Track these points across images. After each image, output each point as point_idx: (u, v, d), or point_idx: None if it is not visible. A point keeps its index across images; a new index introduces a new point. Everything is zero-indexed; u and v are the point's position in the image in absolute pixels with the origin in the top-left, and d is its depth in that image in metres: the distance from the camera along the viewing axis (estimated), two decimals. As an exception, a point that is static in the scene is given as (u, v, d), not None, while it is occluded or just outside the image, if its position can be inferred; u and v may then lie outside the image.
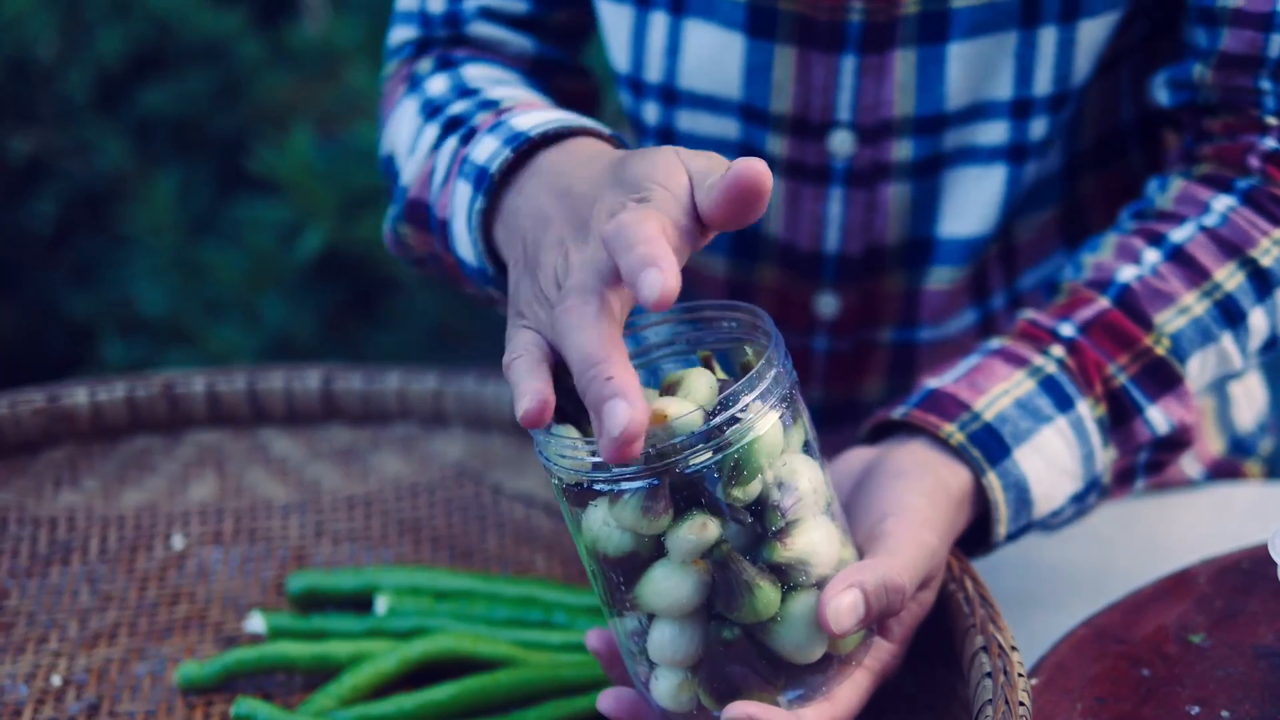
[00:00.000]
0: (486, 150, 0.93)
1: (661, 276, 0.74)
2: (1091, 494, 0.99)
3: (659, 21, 1.12)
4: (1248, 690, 0.92)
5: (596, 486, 0.79)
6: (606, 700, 0.87)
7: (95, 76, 2.54)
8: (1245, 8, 1.00)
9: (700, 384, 0.82)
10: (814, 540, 0.81)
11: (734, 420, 0.78)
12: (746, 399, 0.79)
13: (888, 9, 1.05)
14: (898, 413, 0.96)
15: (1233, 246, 1.00)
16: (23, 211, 2.54)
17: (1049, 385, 0.97)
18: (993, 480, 0.94)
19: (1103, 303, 1.00)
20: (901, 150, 1.11)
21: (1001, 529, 0.95)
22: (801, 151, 1.12)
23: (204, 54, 2.62)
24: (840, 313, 1.18)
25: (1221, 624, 0.97)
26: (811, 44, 1.07)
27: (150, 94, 2.57)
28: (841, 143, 1.10)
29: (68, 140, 2.55)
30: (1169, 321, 0.99)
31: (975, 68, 1.07)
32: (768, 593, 0.80)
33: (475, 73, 1.11)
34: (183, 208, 2.46)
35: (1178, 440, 1.00)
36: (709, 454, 0.78)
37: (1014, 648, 0.87)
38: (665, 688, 0.83)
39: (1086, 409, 0.97)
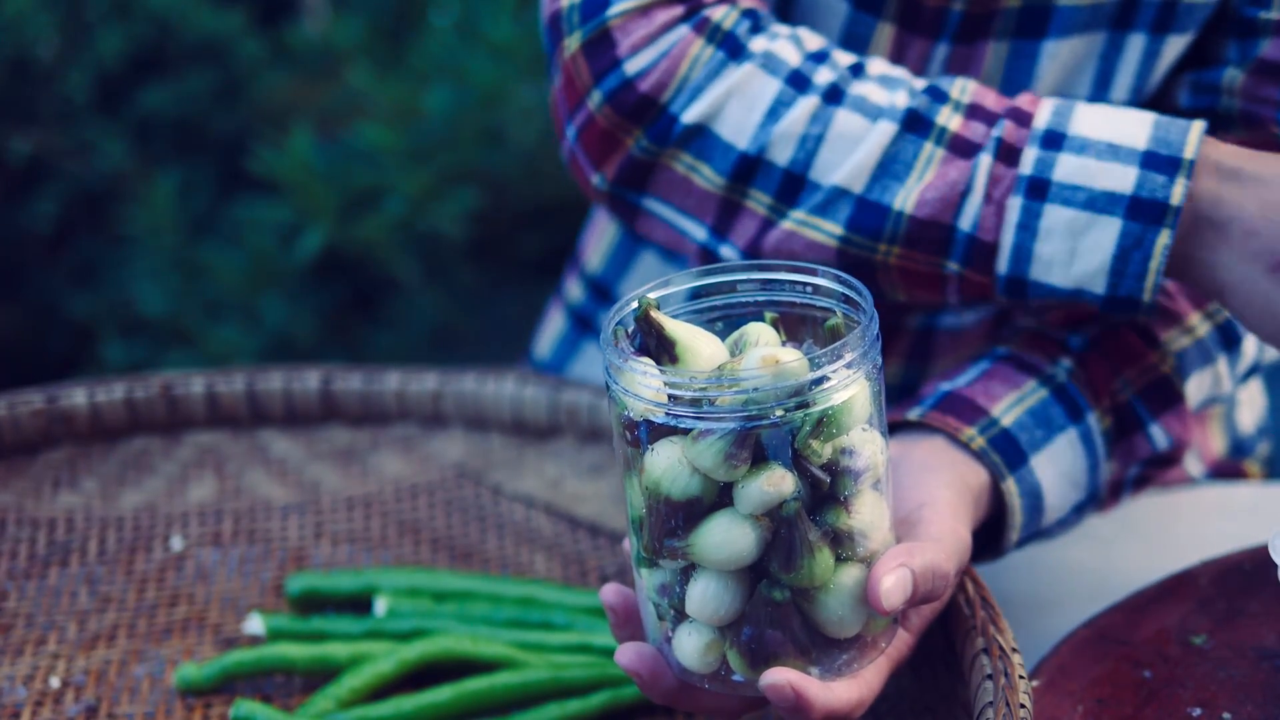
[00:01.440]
0: (1110, 178, 0.92)
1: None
2: (1089, 505, 1.00)
3: None
4: (1249, 692, 0.92)
5: (681, 424, 0.79)
6: (627, 654, 0.85)
7: (95, 77, 2.55)
8: None
9: (769, 341, 0.82)
10: (874, 514, 0.81)
11: (827, 379, 0.78)
12: (847, 358, 0.79)
13: (990, 1, 1.04)
14: (914, 413, 0.96)
15: None
16: (23, 212, 2.54)
17: (1061, 395, 0.98)
18: (1011, 487, 0.94)
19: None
20: None
21: (1014, 535, 0.96)
22: None
23: (204, 54, 2.62)
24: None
25: (1223, 625, 0.97)
26: (912, 27, 1.06)
27: (150, 94, 2.58)
28: None
29: (68, 141, 2.55)
30: (1175, 340, 1.01)
31: (1065, 66, 1.06)
32: (826, 557, 0.80)
33: (800, 33, 1.03)
34: (183, 208, 2.46)
35: (1170, 457, 1.01)
36: (805, 408, 0.78)
37: (1015, 649, 0.86)
38: (692, 646, 0.82)
39: (1095, 420, 0.98)
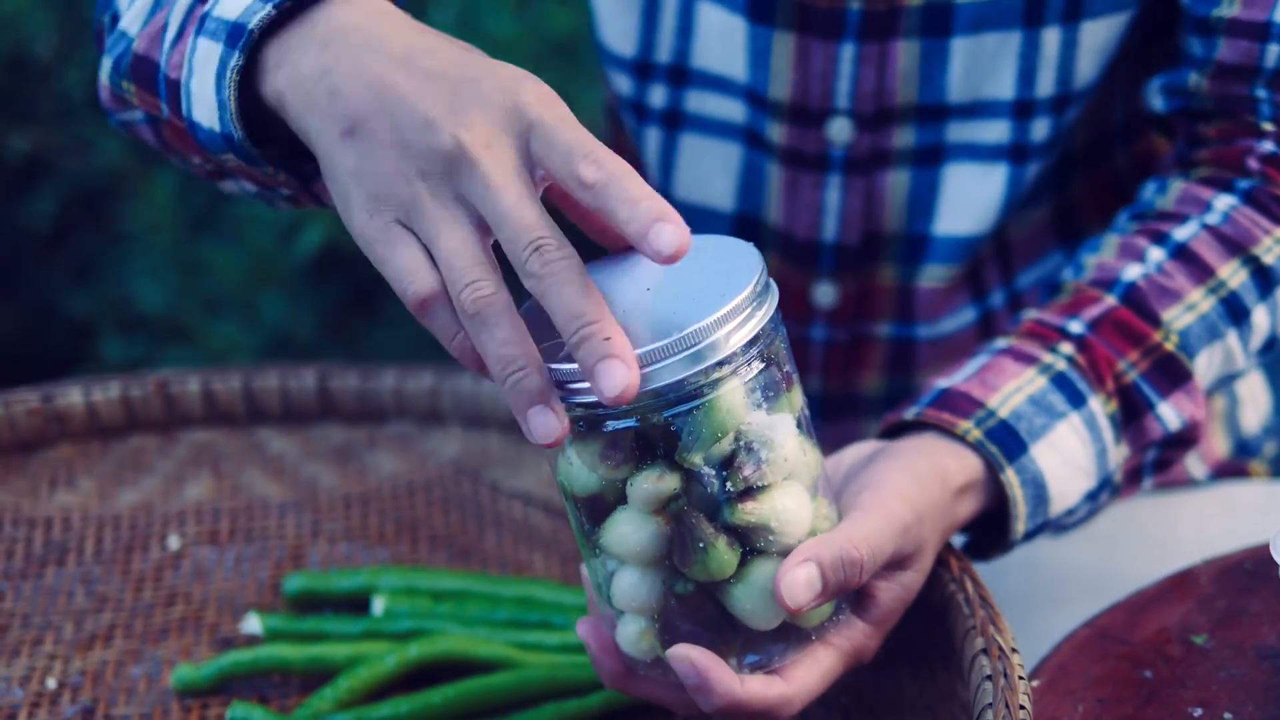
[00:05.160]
0: (238, 5, 0.85)
1: (676, 231, 0.73)
2: (1104, 492, 0.99)
3: (671, 1, 1.12)
4: (1250, 692, 0.92)
5: (577, 423, 0.79)
6: (584, 626, 0.86)
7: (94, 74, 2.54)
8: (1241, 18, 1.00)
9: None
10: (781, 507, 0.80)
11: (690, 381, 0.76)
12: (712, 358, 0.77)
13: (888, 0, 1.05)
14: (910, 413, 0.96)
15: (1236, 244, 1.00)
16: (21, 210, 2.54)
17: (1061, 382, 0.97)
18: (1011, 477, 0.93)
19: (1110, 300, 0.99)
20: (902, 138, 1.11)
21: (1020, 526, 0.94)
22: (800, 139, 1.12)
23: (203, 51, 2.61)
24: (838, 303, 1.18)
25: (1224, 625, 0.97)
26: (810, 31, 1.07)
27: (149, 91, 2.57)
28: (840, 130, 1.11)
29: (66, 138, 2.55)
30: (1177, 318, 0.99)
31: (977, 64, 1.07)
32: (722, 553, 0.79)
33: None
34: (181, 205, 2.46)
35: (1187, 437, 1.00)
36: (664, 410, 0.77)
37: (1014, 649, 0.86)
38: (627, 634, 0.83)
39: (1099, 405, 0.97)
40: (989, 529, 0.97)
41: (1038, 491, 0.94)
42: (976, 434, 0.93)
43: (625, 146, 1.25)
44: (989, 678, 0.85)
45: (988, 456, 0.93)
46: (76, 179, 2.55)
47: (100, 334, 2.46)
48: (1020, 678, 0.84)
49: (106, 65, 0.98)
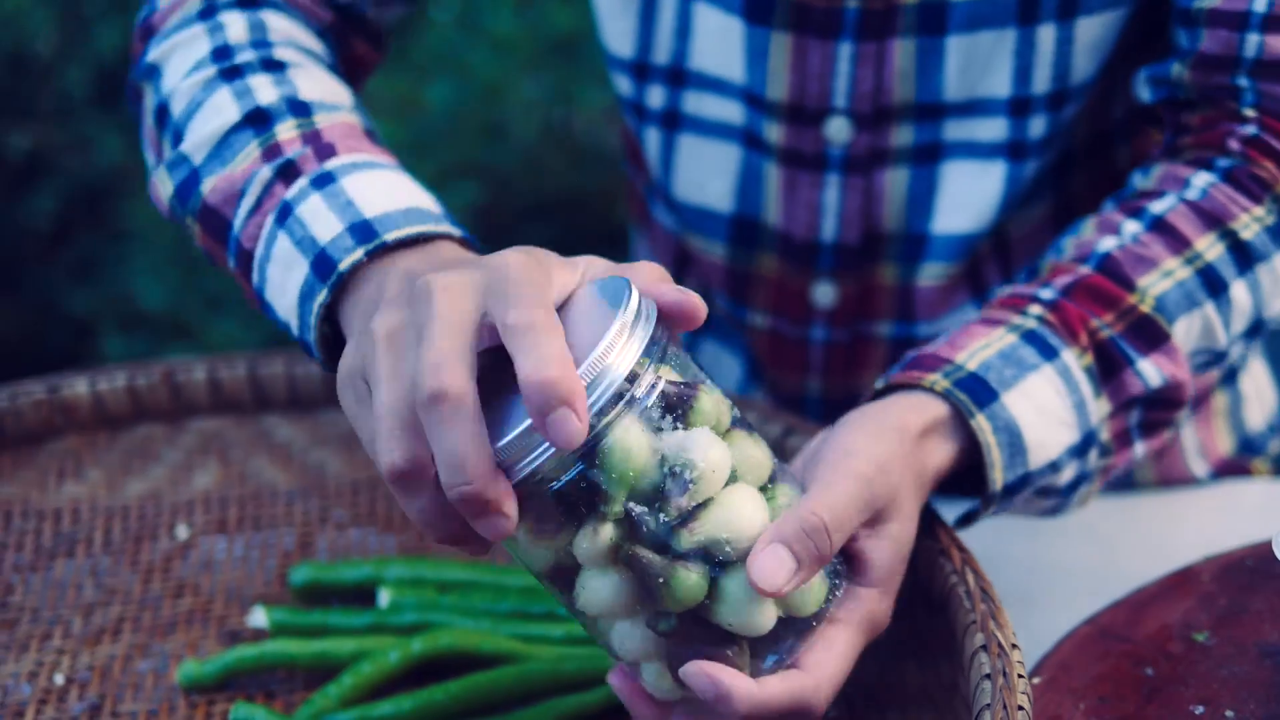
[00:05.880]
0: (327, 228, 0.90)
1: (577, 426, 0.74)
2: (1091, 449, 0.96)
3: (669, 2, 1.13)
4: (1252, 689, 0.92)
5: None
6: (614, 678, 0.85)
7: (94, 72, 2.54)
8: (1221, 8, 1.00)
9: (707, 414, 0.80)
10: (728, 517, 0.79)
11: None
12: (603, 385, 0.75)
13: None
14: (879, 382, 0.94)
15: (1212, 218, 1.00)
16: (22, 208, 2.54)
17: (1031, 337, 0.95)
18: (982, 423, 0.91)
19: (1084, 270, 0.98)
20: (900, 136, 1.11)
21: (997, 474, 0.92)
22: (798, 138, 1.12)
23: (204, 49, 2.61)
24: (838, 303, 1.18)
25: (1226, 622, 0.97)
26: (807, 31, 1.08)
27: (150, 89, 2.57)
28: (838, 130, 1.11)
29: (67, 136, 2.55)
30: (1153, 285, 0.98)
31: (973, 62, 1.08)
32: (684, 580, 0.78)
33: (278, 24, 1.06)
34: (183, 203, 2.45)
35: (1171, 398, 0.98)
36: (567, 472, 0.77)
37: (1015, 645, 0.86)
38: (649, 679, 0.82)
39: (1073, 358, 0.95)
40: (967, 481, 0.95)
41: (1012, 439, 0.92)
42: (944, 384, 0.91)
43: (634, 145, 1.26)
44: (988, 676, 0.84)
45: (956, 404, 0.91)
46: (77, 177, 2.55)
47: (101, 332, 2.46)
48: (1020, 676, 0.84)
49: (166, 183, 1.01)
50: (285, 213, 0.93)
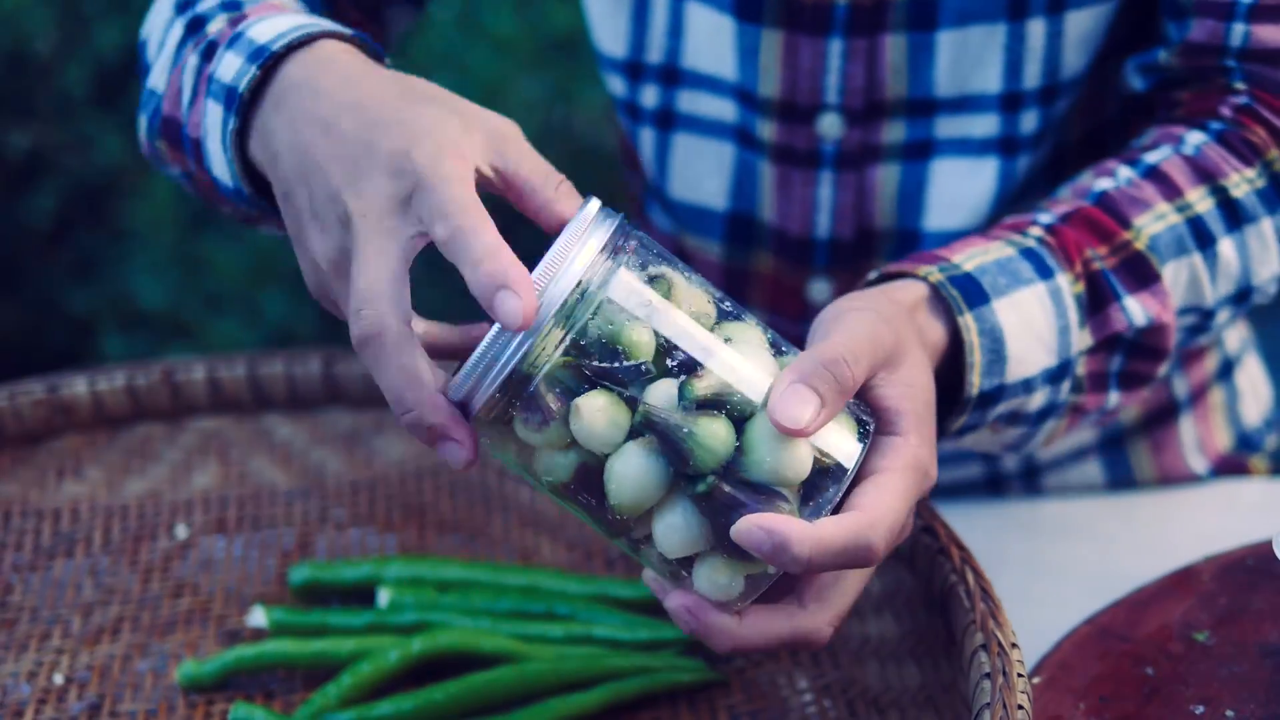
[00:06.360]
0: (232, 68, 0.91)
1: (515, 302, 0.75)
2: (1065, 379, 0.95)
3: (660, 1, 1.13)
4: (1253, 689, 0.92)
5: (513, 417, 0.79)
6: (684, 614, 0.82)
7: (94, 71, 2.54)
8: None
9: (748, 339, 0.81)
10: (729, 361, 0.78)
11: (565, 295, 0.77)
12: (565, 271, 0.77)
13: None
14: (874, 273, 0.94)
15: (1205, 172, 1.00)
16: (22, 207, 2.54)
17: (1029, 254, 0.95)
18: (969, 322, 0.90)
19: (1081, 203, 0.99)
20: (893, 133, 1.11)
21: (975, 378, 0.91)
22: (791, 135, 1.12)
23: (204, 49, 2.61)
24: (834, 299, 1.18)
25: (1226, 622, 0.97)
26: (798, 28, 1.08)
27: (150, 88, 2.57)
28: (830, 126, 1.11)
29: (67, 135, 2.55)
30: (1147, 225, 0.98)
31: (964, 57, 1.08)
32: (708, 427, 0.77)
33: None
34: (182, 202, 2.46)
35: (1153, 344, 0.98)
36: (558, 345, 0.77)
37: (1014, 645, 0.86)
38: (706, 580, 0.80)
39: (1066, 282, 0.95)
40: (946, 387, 0.93)
41: (995, 345, 0.91)
42: (938, 276, 0.91)
43: (628, 146, 1.26)
44: (987, 675, 0.85)
45: (947, 299, 0.90)
46: (77, 176, 2.55)
47: (101, 331, 2.46)
48: (1020, 675, 0.84)
49: (142, 123, 1.04)
50: (210, 82, 0.93)
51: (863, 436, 0.81)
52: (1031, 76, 1.09)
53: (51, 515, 1.12)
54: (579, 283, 0.77)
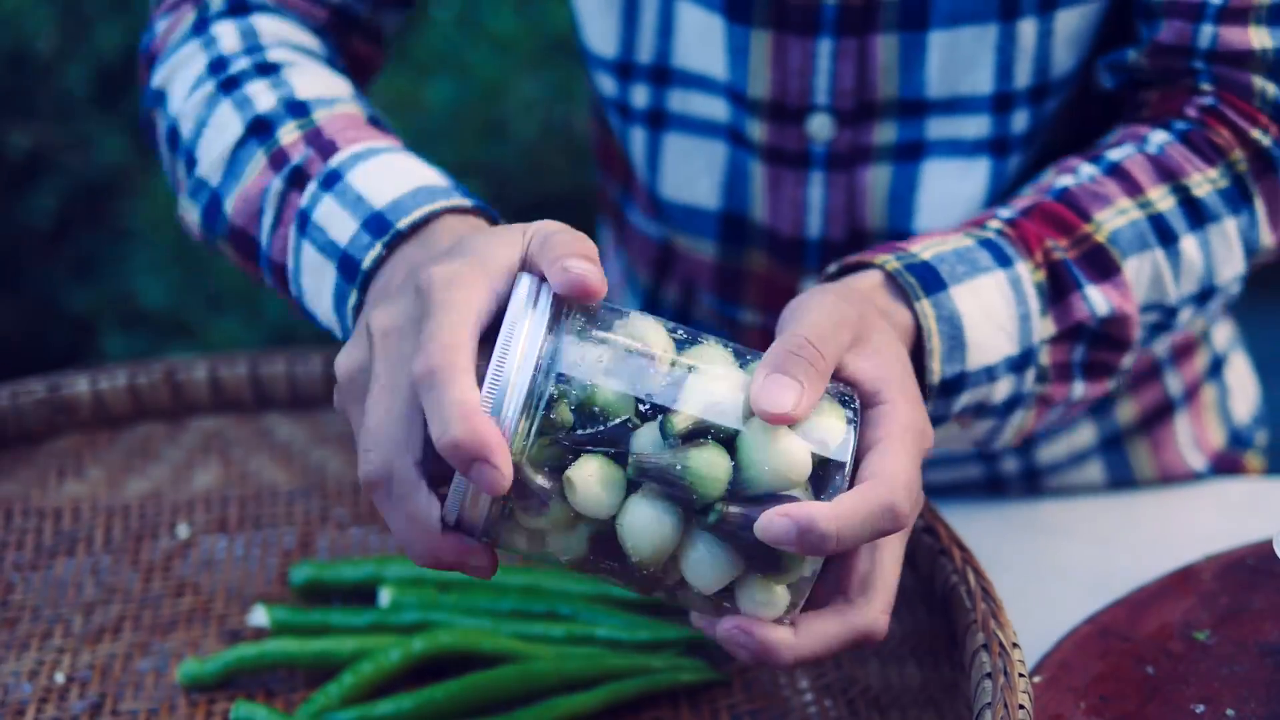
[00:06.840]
0: (344, 230, 0.91)
1: (499, 473, 0.74)
2: (1029, 367, 0.95)
3: (650, 1, 1.13)
4: (1253, 688, 0.92)
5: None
6: (737, 641, 0.81)
7: (94, 71, 2.55)
8: (1177, 0, 1.01)
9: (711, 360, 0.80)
10: (706, 389, 0.78)
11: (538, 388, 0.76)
12: (513, 366, 0.76)
13: None
14: (833, 267, 0.94)
15: (1167, 171, 1.00)
16: (22, 206, 2.54)
17: (988, 244, 0.95)
18: (926, 308, 0.90)
19: (1042, 198, 0.99)
20: (883, 134, 1.12)
21: (935, 364, 0.90)
22: (781, 136, 1.12)
23: (205, 48, 2.62)
24: None
25: (1226, 621, 0.97)
26: (787, 28, 1.08)
27: (150, 88, 2.58)
28: (820, 126, 1.11)
29: (67, 135, 2.55)
30: (1108, 219, 0.98)
31: (955, 58, 1.08)
32: (700, 457, 0.77)
33: (269, 27, 1.07)
34: (183, 202, 2.46)
35: (1116, 335, 0.97)
36: (529, 434, 0.76)
37: (1015, 644, 0.86)
38: (750, 603, 0.79)
39: (1026, 270, 0.95)
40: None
41: (953, 332, 0.91)
42: (895, 264, 0.91)
43: (612, 148, 1.26)
44: (989, 675, 0.84)
45: (905, 286, 0.90)
46: (78, 176, 2.55)
47: (102, 330, 2.47)
48: (1021, 675, 0.84)
49: (191, 211, 1.02)
50: (304, 221, 0.94)
51: (852, 419, 0.80)
52: (1022, 76, 1.09)
53: (53, 514, 1.12)
54: (533, 370, 0.76)
